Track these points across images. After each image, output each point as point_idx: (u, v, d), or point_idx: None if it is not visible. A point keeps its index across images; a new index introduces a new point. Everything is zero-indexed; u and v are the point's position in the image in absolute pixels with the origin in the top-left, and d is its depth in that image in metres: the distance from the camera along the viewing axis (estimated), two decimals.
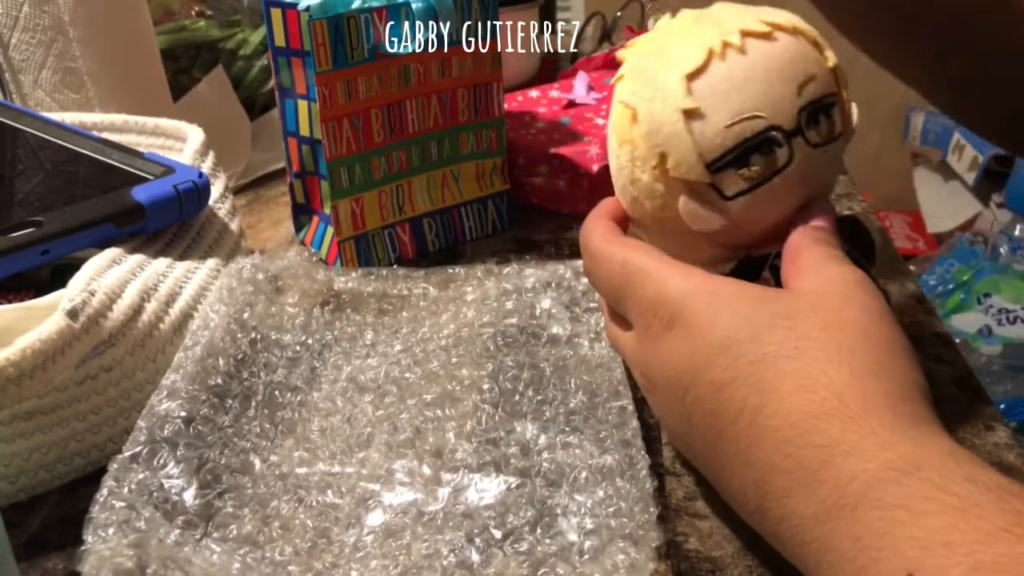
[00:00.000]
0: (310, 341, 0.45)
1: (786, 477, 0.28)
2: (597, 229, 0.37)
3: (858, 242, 0.38)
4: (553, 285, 0.47)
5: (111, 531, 0.31)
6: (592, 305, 0.46)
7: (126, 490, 0.33)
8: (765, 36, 0.34)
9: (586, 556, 0.31)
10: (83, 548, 0.31)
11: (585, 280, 0.47)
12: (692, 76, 0.33)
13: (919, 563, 0.24)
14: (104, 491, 0.33)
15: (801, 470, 0.28)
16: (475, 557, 0.32)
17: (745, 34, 0.34)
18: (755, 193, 0.34)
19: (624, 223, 0.38)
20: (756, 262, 0.37)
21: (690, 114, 0.33)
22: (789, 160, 0.34)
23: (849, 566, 0.26)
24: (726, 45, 0.34)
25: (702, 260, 0.37)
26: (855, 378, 0.28)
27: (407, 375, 0.42)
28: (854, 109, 0.37)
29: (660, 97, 0.34)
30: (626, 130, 0.36)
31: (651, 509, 0.32)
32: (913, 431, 0.27)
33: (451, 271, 0.49)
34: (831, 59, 0.36)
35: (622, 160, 0.37)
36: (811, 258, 0.33)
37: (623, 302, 0.35)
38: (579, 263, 0.48)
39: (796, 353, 0.29)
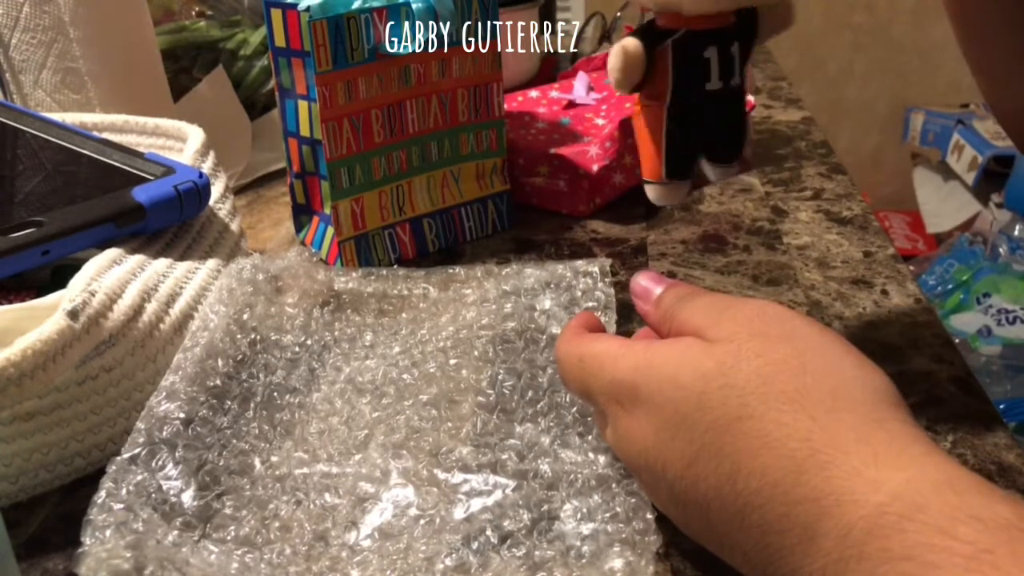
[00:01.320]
0: (309, 342, 0.45)
1: (784, 536, 0.27)
2: (563, 337, 0.37)
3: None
4: (552, 286, 0.47)
5: (108, 533, 0.31)
6: (591, 305, 0.46)
7: (124, 492, 0.33)
8: None
9: (583, 560, 0.31)
10: (80, 550, 0.31)
11: (584, 280, 0.47)
12: None
13: None
14: (102, 493, 0.33)
15: (797, 527, 0.27)
16: (472, 560, 0.32)
17: None
18: None
19: (594, 329, 0.38)
20: (659, 32, 0.38)
21: None
22: None
23: None
24: None
25: None
26: (814, 421, 0.27)
27: (405, 376, 0.42)
28: None
29: None
30: None
31: (648, 516, 0.32)
32: (899, 460, 0.26)
33: (451, 271, 0.49)
34: None
35: None
36: (702, 312, 0.33)
37: (590, 398, 0.35)
38: (579, 263, 0.48)
39: (745, 411, 0.29)
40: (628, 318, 0.50)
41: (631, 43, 0.38)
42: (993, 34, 0.50)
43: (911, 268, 1.60)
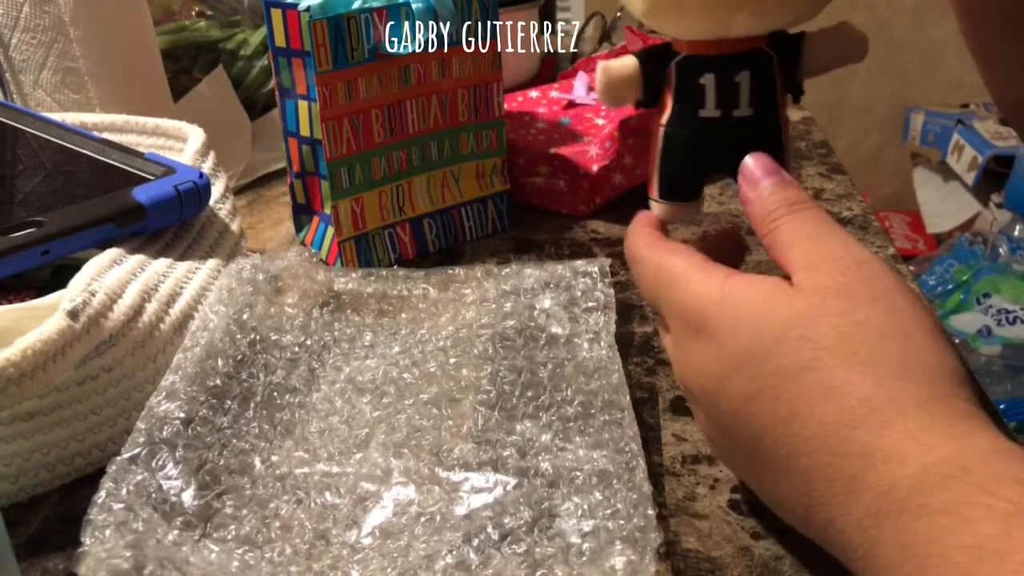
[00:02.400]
0: (309, 342, 0.45)
1: (827, 485, 0.28)
2: (638, 236, 0.38)
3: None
4: (552, 285, 0.47)
5: (108, 532, 0.31)
6: (590, 305, 0.46)
7: (124, 491, 0.33)
8: None
9: (584, 558, 0.31)
10: (80, 550, 0.31)
11: (584, 280, 0.47)
12: None
13: (970, 571, 0.23)
14: (102, 493, 0.33)
15: (841, 478, 0.27)
16: (473, 558, 0.32)
17: None
18: None
19: (664, 230, 0.39)
20: (663, 54, 0.38)
21: None
22: None
23: (896, 574, 0.25)
24: None
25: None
26: (879, 384, 0.28)
27: (405, 376, 0.42)
28: None
29: None
30: None
31: (649, 512, 0.32)
32: (951, 430, 0.27)
33: (451, 272, 0.49)
34: None
35: None
36: (801, 245, 0.32)
37: (658, 307, 0.36)
38: (578, 263, 0.48)
39: (815, 364, 0.29)
40: (628, 318, 0.50)
41: (616, 62, 0.38)
42: (999, 28, 0.49)
43: (911, 268, 1.60)
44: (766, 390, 0.30)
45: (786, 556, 0.35)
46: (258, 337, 0.44)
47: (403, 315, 0.47)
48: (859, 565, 0.27)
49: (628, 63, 0.38)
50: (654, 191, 0.40)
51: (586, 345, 0.43)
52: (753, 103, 0.36)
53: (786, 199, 0.34)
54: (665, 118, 0.38)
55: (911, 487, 0.26)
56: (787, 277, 0.32)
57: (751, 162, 0.35)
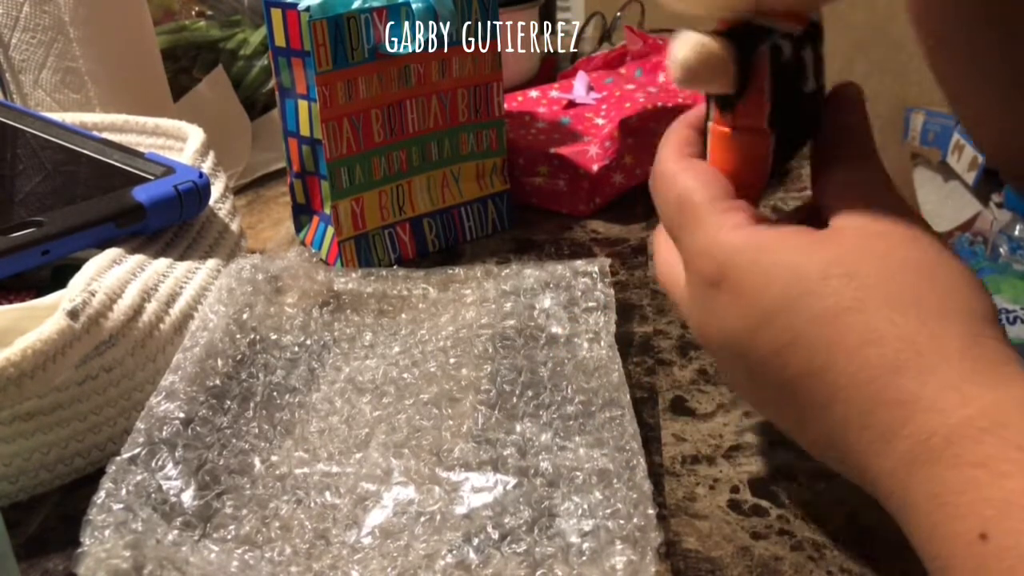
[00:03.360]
0: (309, 342, 0.45)
1: (863, 434, 0.27)
2: (671, 141, 0.35)
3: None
4: (552, 285, 0.47)
5: (108, 532, 0.31)
6: (591, 305, 0.46)
7: (124, 492, 0.33)
8: None
9: (584, 558, 0.31)
10: (80, 550, 0.31)
11: (583, 280, 0.47)
12: None
13: (994, 524, 0.24)
14: (102, 493, 0.33)
15: (879, 426, 0.27)
16: (473, 557, 0.32)
17: None
18: None
19: (701, 140, 0.36)
20: (756, 32, 0.32)
21: None
22: None
23: (924, 521, 0.26)
24: None
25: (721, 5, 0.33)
26: (924, 325, 0.27)
27: (405, 376, 0.42)
28: None
29: None
30: None
31: (649, 512, 0.32)
32: (992, 378, 0.26)
33: (451, 272, 0.49)
34: None
35: None
36: (857, 191, 0.32)
37: (677, 238, 0.34)
38: (578, 263, 0.48)
39: (858, 304, 0.28)
40: (628, 318, 0.50)
41: (704, 40, 0.32)
42: (967, 56, 0.44)
43: None
44: (801, 339, 0.29)
45: (786, 556, 0.35)
46: (258, 337, 0.44)
47: (403, 315, 0.47)
48: (893, 511, 0.27)
49: (715, 44, 0.32)
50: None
51: (586, 345, 0.43)
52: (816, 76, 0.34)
53: (853, 147, 0.33)
54: (767, 115, 0.33)
55: (947, 437, 0.25)
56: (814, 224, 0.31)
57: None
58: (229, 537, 0.33)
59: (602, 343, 0.43)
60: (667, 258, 0.36)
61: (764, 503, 0.37)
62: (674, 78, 0.33)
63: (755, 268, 0.30)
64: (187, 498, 0.34)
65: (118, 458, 0.35)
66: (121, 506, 0.32)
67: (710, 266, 0.32)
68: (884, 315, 0.28)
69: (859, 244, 0.29)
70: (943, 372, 0.26)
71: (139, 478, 0.34)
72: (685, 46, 0.32)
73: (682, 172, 0.34)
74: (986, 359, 0.27)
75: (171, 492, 0.34)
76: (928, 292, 0.28)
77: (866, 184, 0.32)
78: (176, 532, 0.32)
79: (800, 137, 0.35)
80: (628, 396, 0.39)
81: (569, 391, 0.40)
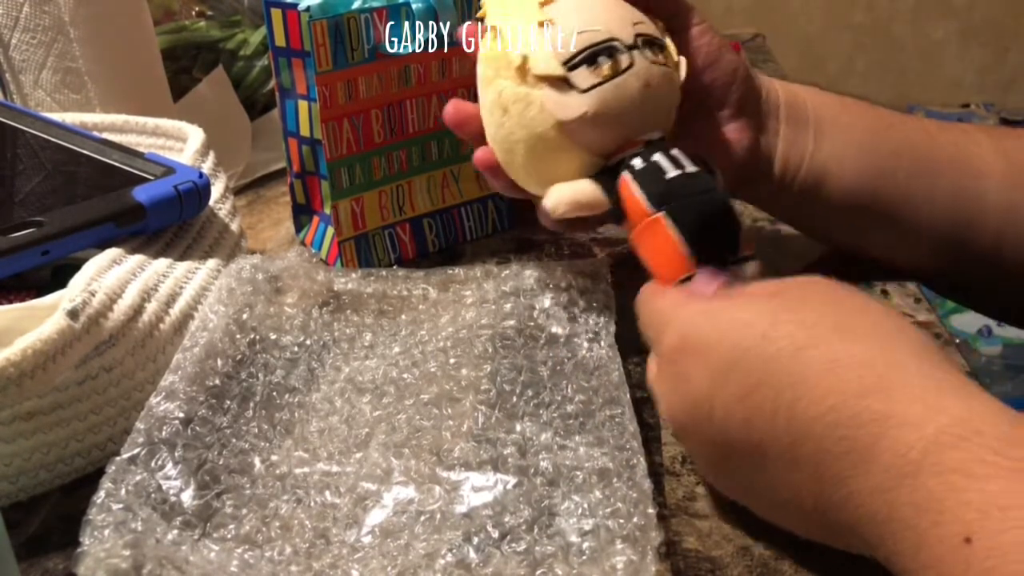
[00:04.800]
0: (308, 342, 0.45)
1: (841, 460, 0.28)
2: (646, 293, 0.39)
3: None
4: (551, 286, 0.47)
5: (107, 532, 0.31)
6: (590, 305, 0.46)
7: (123, 492, 0.33)
8: None
9: (584, 557, 0.31)
10: (79, 550, 0.31)
11: (583, 280, 0.47)
12: (544, 2, 0.41)
13: (977, 527, 0.24)
14: (101, 493, 0.33)
15: (856, 450, 0.28)
16: (473, 556, 0.32)
17: None
18: (606, 86, 0.40)
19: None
20: (613, 169, 0.41)
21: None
22: (631, 64, 0.40)
23: (910, 533, 0.26)
24: None
25: (572, 170, 0.42)
26: (881, 352, 0.29)
27: (405, 376, 0.42)
28: (683, 64, 0.44)
29: (519, 14, 0.41)
30: (493, 48, 0.42)
31: (649, 511, 0.32)
32: (957, 391, 0.28)
33: (451, 272, 0.49)
34: (662, 28, 0.44)
35: (488, 74, 0.43)
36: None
37: (652, 347, 0.37)
38: (578, 263, 0.48)
39: (812, 341, 0.30)
40: (628, 318, 0.50)
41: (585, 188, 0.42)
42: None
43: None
44: (766, 378, 0.30)
45: (786, 556, 0.35)
46: (257, 337, 0.44)
47: (403, 316, 0.47)
48: (876, 537, 0.28)
49: (584, 189, 0.42)
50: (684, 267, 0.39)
51: (586, 344, 0.43)
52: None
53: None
54: (646, 206, 0.40)
55: (924, 448, 0.26)
56: None
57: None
58: (229, 537, 0.33)
59: (602, 343, 0.43)
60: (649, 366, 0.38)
61: None
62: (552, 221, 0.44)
63: (711, 326, 0.33)
64: (187, 498, 0.34)
65: (118, 458, 0.35)
66: (121, 506, 0.32)
67: (673, 337, 0.34)
68: (840, 347, 0.29)
69: (802, 294, 0.32)
70: (908, 390, 0.28)
71: (139, 478, 0.34)
72: (556, 195, 0.42)
73: (652, 296, 0.38)
74: (947, 379, 0.28)
75: (171, 492, 0.34)
76: (875, 328, 0.30)
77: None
78: (176, 532, 0.32)
79: (698, 197, 0.39)
80: (628, 395, 0.39)
81: (569, 390, 0.40)
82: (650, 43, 0.41)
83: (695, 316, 0.33)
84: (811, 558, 0.34)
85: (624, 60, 0.40)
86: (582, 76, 0.40)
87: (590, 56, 0.40)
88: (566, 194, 0.42)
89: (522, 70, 0.41)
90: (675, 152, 0.41)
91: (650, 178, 0.40)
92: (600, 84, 0.40)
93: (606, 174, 0.42)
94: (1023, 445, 0.25)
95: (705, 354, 0.32)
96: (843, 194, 0.47)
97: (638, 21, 0.41)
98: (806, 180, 0.47)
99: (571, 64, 0.40)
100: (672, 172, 0.40)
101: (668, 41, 0.44)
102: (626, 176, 0.40)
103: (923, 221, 0.47)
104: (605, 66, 0.40)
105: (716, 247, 0.38)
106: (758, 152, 0.47)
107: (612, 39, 0.40)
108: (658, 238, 0.39)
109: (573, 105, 0.40)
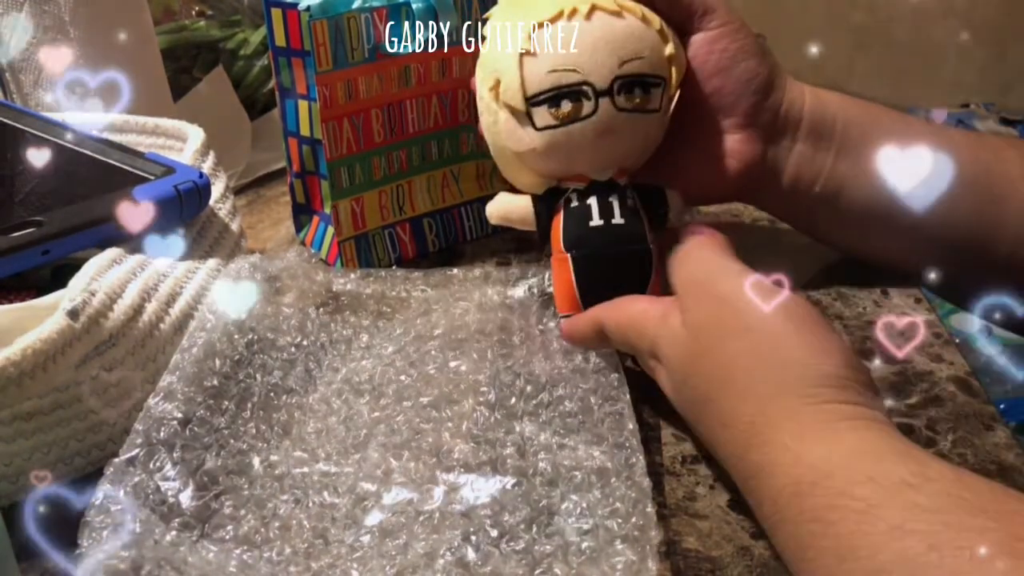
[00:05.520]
0: (305, 343, 0.45)
1: (747, 496, 0.34)
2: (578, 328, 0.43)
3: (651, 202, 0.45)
4: (550, 288, 0.47)
5: (105, 534, 0.31)
6: None
7: (122, 493, 0.33)
8: (614, 12, 0.41)
9: (584, 556, 0.31)
10: (78, 552, 0.31)
11: None
12: (538, 26, 0.41)
13: (835, 571, 0.27)
14: (99, 494, 0.33)
15: (751, 494, 0.33)
16: (472, 556, 0.32)
17: (596, 7, 0.41)
18: (558, 130, 0.41)
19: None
20: (558, 192, 0.44)
21: (525, 54, 0.41)
22: (592, 112, 0.41)
23: (797, 572, 0.30)
24: (575, 11, 0.41)
25: (526, 183, 0.46)
26: (759, 407, 0.32)
27: (403, 377, 0.42)
28: (673, 100, 0.45)
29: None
30: (484, 52, 0.44)
31: (648, 510, 0.32)
32: (821, 434, 0.31)
33: (449, 273, 0.49)
34: (669, 49, 0.43)
35: (479, 74, 0.45)
36: (698, 289, 0.38)
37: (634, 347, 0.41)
38: None
39: (710, 397, 0.35)
40: None
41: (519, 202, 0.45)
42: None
43: None
44: (688, 414, 0.38)
45: None
46: (255, 337, 0.44)
47: (400, 317, 0.47)
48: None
49: (519, 203, 0.46)
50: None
51: (584, 348, 0.43)
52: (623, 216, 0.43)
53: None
54: (562, 243, 0.43)
55: (789, 498, 0.30)
56: None
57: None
58: (228, 537, 0.33)
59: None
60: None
61: None
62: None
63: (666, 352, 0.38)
64: (185, 499, 0.34)
65: (116, 459, 0.35)
66: (119, 507, 0.32)
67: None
68: (728, 406, 0.34)
69: (696, 347, 0.36)
70: (776, 441, 0.31)
71: (137, 479, 0.34)
72: (493, 203, 0.46)
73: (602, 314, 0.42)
74: (816, 420, 0.31)
75: (169, 493, 0.34)
76: (760, 379, 0.33)
77: (705, 283, 0.37)
78: (174, 533, 0.32)
79: (607, 252, 0.43)
80: (627, 395, 0.39)
81: (567, 388, 0.40)
82: (631, 85, 0.41)
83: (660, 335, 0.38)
84: None
85: (587, 107, 0.41)
86: (541, 115, 0.41)
87: (553, 97, 0.41)
88: (502, 207, 0.46)
89: (495, 91, 0.43)
90: (612, 198, 0.43)
91: (574, 221, 0.43)
92: (554, 127, 0.41)
93: (551, 194, 0.45)
94: (867, 483, 0.28)
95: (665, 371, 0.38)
96: (859, 207, 0.47)
97: (630, 59, 0.41)
98: (820, 194, 0.47)
99: (534, 101, 0.41)
100: (596, 221, 0.42)
101: (673, 71, 0.43)
102: (559, 210, 0.44)
103: (937, 238, 0.47)
104: (564, 110, 0.41)
105: (607, 296, 0.42)
106: (762, 165, 0.46)
107: (583, 83, 0.40)
108: (561, 274, 0.43)
109: (525, 139, 0.42)
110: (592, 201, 0.43)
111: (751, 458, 0.32)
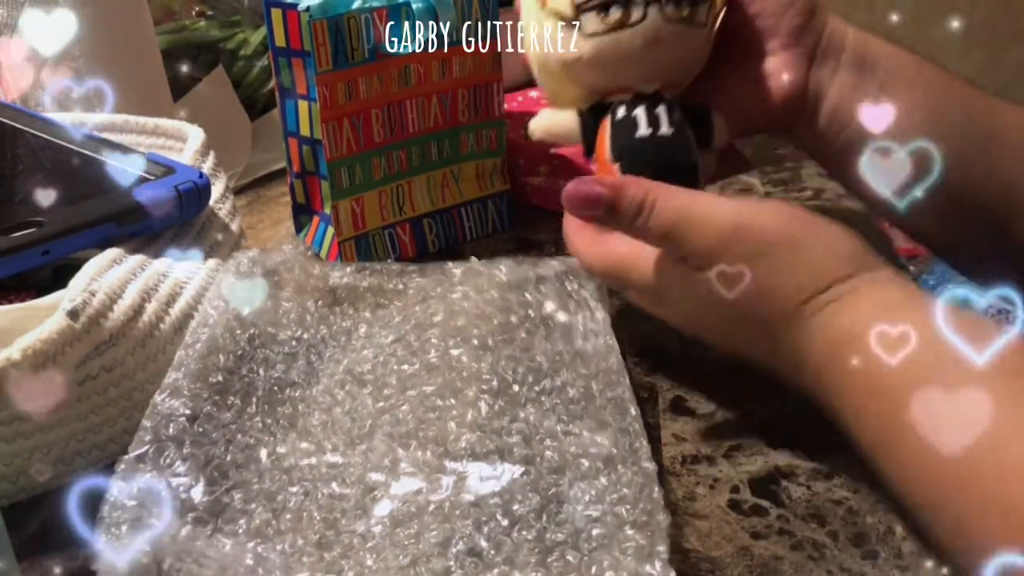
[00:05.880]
0: (305, 336, 0.45)
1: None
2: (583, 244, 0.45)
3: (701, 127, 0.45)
4: (547, 279, 0.47)
5: (124, 529, 0.31)
6: (587, 303, 0.46)
7: (135, 489, 0.33)
8: None
9: (595, 543, 0.32)
10: (97, 547, 0.31)
11: (579, 275, 0.47)
12: None
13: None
14: (113, 491, 0.33)
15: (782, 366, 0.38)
16: (484, 545, 0.32)
17: None
18: (606, 37, 0.41)
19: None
20: (602, 108, 0.44)
21: None
22: (641, 19, 0.41)
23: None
24: None
25: (569, 97, 0.46)
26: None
27: (405, 366, 0.42)
28: (719, 17, 0.45)
29: None
30: None
31: (655, 495, 0.32)
32: (837, 320, 0.35)
33: (446, 266, 0.49)
34: None
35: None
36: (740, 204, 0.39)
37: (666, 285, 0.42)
38: (573, 259, 0.48)
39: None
40: (627, 318, 0.50)
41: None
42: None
43: (912, 268, 1.60)
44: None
45: (786, 556, 0.35)
46: (257, 332, 0.44)
47: (398, 305, 0.47)
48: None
49: (564, 118, 0.46)
50: None
51: (583, 337, 0.43)
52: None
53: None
54: (608, 154, 0.44)
55: (819, 363, 0.36)
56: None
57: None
58: (240, 531, 0.33)
59: (599, 335, 0.43)
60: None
61: (764, 503, 0.37)
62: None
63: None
64: (197, 494, 0.34)
65: (126, 456, 0.35)
66: (134, 503, 0.32)
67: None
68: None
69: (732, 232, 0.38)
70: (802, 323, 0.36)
71: (148, 476, 0.34)
72: (537, 119, 0.47)
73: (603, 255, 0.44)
74: (831, 311, 0.36)
75: (181, 489, 0.34)
76: (796, 266, 0.37)
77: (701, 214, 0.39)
78: (189, 527, 0.33)
79: (655, 162, 0.43)
80: (627, 380, 0.39)
81: (569, 377, 0.40)
82: None
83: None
84: (811, 560, 0.34)
85: (636, 14, 0.41)
86: (590, 21, 0.41)
87: (602, 3, 0.41)
88: (545, 121, 0.46)
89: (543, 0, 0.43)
90: (660, 109, 0.42)
91: (622, 131, 0.43)
92: (602, 33, 0.41)
93: (597, 109, 0.44)
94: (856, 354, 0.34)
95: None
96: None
97: None
98: (857, 131, 0.45)
99: (584, 7, 0.41)
100: (643, 130, 0.42)
101: None
102: (605, 122, 0.44)
103: (970, 204, 0.45)
104: (614, 16, 0.40)
105: None
106: (806, 88, 0.45)
107: None
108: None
109: (572, 48, 0.42)
110: (639, 112, 0.43)
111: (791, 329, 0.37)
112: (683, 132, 0.43)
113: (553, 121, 0.46)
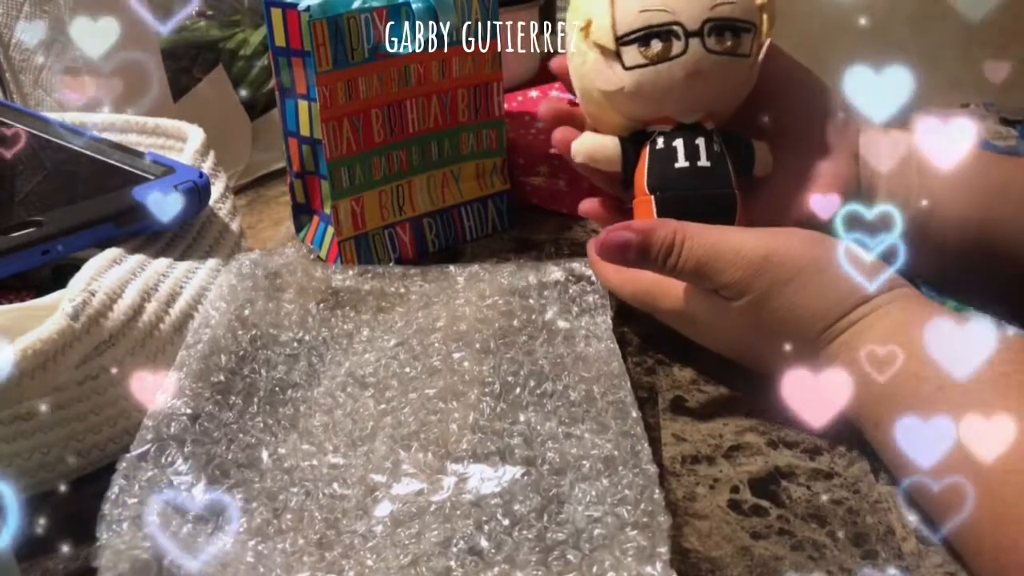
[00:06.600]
0: (307, 338, 0.45)
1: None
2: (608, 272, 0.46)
3: (739, 155, 0.45)
4: (549, 283, 0.47)
5: (125, 526, 0.31)
6: (588, 305, 0.46)
7: (136, 487, 0.33)
8: None
9: (595, 544, 0.32)
10: (98, 544, 0.31)
11: (580, 279, 0.47)
12: None
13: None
14: (115, 488, 0.33)
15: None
16: (485, 544, 0.32)
17: None
18: (647, 70, 0.42)
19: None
20: (644, 136, 0.45)
21: None
22: (682, 52, 0.41)
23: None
24: None
25: (610, 125, 0.46)
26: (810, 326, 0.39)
27: (406, 369, 0.42)
28: (764, 47, 0.45)
29: None
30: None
31: (656, 496, 0.33)
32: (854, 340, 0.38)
33: (448, 270, 0.49)
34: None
35: (570, 17, 0.46)
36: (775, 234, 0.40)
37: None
38: (574, 264, 0.48)
39: (781, 301, 0.39)
40: (627, 318, 0.50)
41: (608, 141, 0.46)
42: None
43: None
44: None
45: (786, 556, 0.35)
46: (258, 333, 0.44)
47: (400, 310, 0.47)
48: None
49: (607, 144, 0.47)
50: None
51: (584, 340, 0.43)
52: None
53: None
54: (645, 185, 0.44)
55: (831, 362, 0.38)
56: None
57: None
58: (241, 530, 0.34)
59: (601, 339, 0.43)
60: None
61: (764, 503, 0.37)
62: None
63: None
64: (198, 493, 0.34)
65: (128, 455, 0.35)
66: (135, 500, 0.33)
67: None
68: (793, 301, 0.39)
69: (763, 263, 0.39)
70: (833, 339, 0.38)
71: (150, 474, 0.34)
72: (580, 141, 0.47)
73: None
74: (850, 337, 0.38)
75: (182, 487, 0.34)
76: (806, 309, 0.39)
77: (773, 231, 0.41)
78: (190, 525, 0.33)
79: (691, 194, 0.43)
80: (628, 383, 0.39)
81: (571, 380, 0.40)
82: (721, 28, 0.41)
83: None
84: (811, 560, 0.34)
85: (677, 47, 0.41)
86: (631, 54, 0.42)
87: (643, 37, 0.41)
88: (588, 145, 0.46)
89: (586, 31, 0.43)
90: (699, 141, 0.43)
91: (660, 162, 0.43)
92: (643, 66, 0.42)
93: (638, 137, 0.45)
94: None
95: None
96: (952, 230, 0.45)
97: (721, 2, 0.41)
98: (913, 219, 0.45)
99: (624, 40, 0.42)
100: (681, 163, 0.43)
101: (764, 18, 0.43)
102: (645, 152, 0.44)
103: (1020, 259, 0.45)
104: (654, 49, 0.41)
105: None
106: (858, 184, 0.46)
107: (673, 22, 0.41)
108: (643, 217, 0.43)
109: (613, 79, 0.43)
110: (678, 143, 0.43)
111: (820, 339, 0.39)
112: (721, 164, 0.43)
113: (596, 146, 0.46)
